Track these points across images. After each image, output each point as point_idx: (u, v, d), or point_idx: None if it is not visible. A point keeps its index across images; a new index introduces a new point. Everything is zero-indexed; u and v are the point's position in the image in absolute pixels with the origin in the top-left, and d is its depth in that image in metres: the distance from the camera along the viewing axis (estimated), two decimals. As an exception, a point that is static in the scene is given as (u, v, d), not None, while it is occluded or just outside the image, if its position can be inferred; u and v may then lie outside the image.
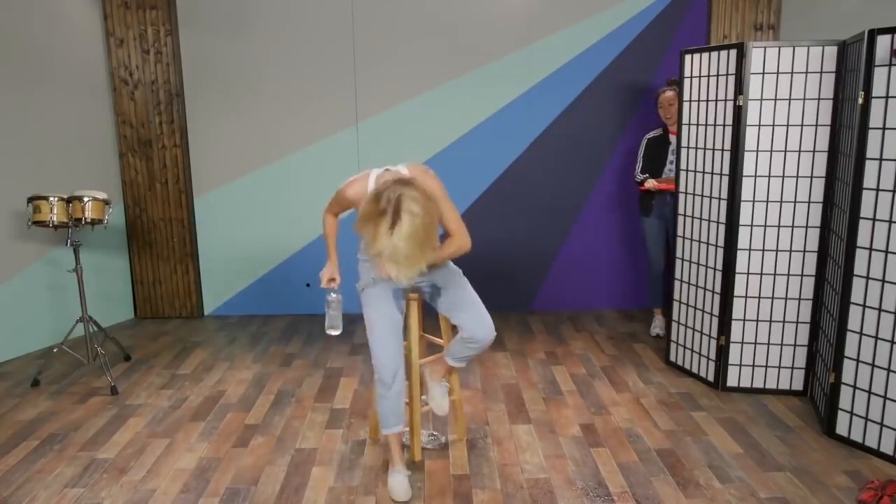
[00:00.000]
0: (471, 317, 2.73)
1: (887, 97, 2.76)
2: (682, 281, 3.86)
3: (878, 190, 2.82)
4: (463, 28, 4.84)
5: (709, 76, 3.53)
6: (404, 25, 4.84)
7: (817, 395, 3.37)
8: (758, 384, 3.61)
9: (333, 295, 2.79)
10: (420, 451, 2.99)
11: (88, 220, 3.84)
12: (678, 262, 3.88)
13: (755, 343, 3.57)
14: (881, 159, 2.80)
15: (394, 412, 2.75)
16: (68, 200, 3.82)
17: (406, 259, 2.24)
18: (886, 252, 2.82)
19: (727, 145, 3.46)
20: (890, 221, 2.80)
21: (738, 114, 3.39)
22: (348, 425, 3.34)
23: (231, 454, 3.07)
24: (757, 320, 3.54)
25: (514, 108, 4.94)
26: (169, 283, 5.20)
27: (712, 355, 3.68)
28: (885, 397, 2.88)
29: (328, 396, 3.69)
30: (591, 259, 5.16)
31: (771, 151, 3.39)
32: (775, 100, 3.34)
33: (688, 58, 3.65)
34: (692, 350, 3.83)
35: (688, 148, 3.71)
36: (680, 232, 3.85)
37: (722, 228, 3.55)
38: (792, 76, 3.30)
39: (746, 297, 3.53)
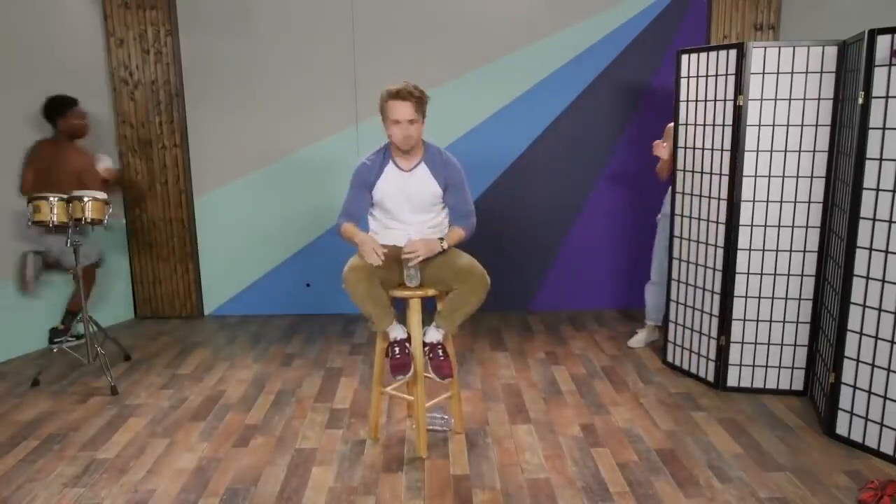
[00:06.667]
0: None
1: (887, 97, 2.76)
2: (679, 281, 3.86)
3: (878, 190, 2.82)
4: (463, 28, 4.84)
5: (706, 76, 3.53)
6: (404, 25, 4.84)
7: (817, 395, 3.37)
8: (758, 384, 3.61)
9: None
10: (426, 446, 3.00)
11: (88, 220, 3.84)
12: (675, 263, 3.88)
13: (755, 343, 3.57)
14: (881, 159, 2.80)
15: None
16: (68, 200, 3.82)
17: None
18: (886, 252, 2.82)
19: (727, 145, 3.46)
20: (890, 221, 2.80)
21: (738, 114, 3.39)
22: (348, 425, 3.34)
23: (231, 454, 3.07)
24: (757, 320, 3.54)
25: (514, 108, 4.93)
26: (169, 283, 5.20)
27: (712, 355, 3.68)
28: (885, 397, 2.88)
29: (328, 396, 3.69)
30: (590, 259, 5.16)
31: (771, 151, 3.39)
32: (775, 100, 3.34)
33: (685, 58, 3.65)
34: (691, 350, 3.83)
35: (686, 148, 3.71)
36: (677, 233, 3.84)
37: (722, 228, 3.54)
38: (792, 76, 3.30)
39: (746, 297, 3.53)
